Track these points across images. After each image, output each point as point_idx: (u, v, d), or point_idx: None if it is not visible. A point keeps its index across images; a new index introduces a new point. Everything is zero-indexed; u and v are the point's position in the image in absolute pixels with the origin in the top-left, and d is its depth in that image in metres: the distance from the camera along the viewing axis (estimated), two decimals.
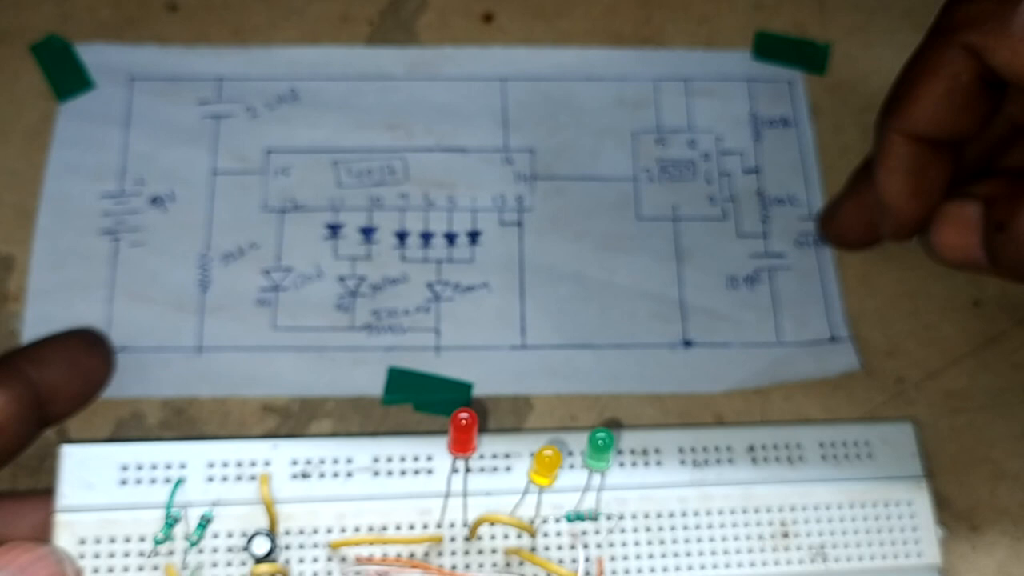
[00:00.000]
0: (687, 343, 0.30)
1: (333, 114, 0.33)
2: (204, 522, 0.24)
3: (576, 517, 0.25)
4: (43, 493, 0.24)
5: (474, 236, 0.31)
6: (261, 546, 0.23)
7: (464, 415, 0.21)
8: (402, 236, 0.31)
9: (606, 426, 0.28)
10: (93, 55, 0.33)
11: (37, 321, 0.29)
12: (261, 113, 0.32)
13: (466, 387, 0.29)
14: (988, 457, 0.30)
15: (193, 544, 0.24)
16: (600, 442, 0.21)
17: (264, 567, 0.23)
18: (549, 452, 0.21)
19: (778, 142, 0.33)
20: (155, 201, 0.31)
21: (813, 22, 0.35)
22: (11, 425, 0.24)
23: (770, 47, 0.34)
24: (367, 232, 0.31)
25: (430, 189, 0.32)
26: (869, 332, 0.31)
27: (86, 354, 0.27)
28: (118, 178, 0.31)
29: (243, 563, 0.24)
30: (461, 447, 0.21)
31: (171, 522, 0.24)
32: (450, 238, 0.31)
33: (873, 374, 0.30)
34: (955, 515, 0.29)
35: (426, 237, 0.31)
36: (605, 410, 0.29)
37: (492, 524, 0.24)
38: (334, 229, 0.31)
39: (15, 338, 0.29)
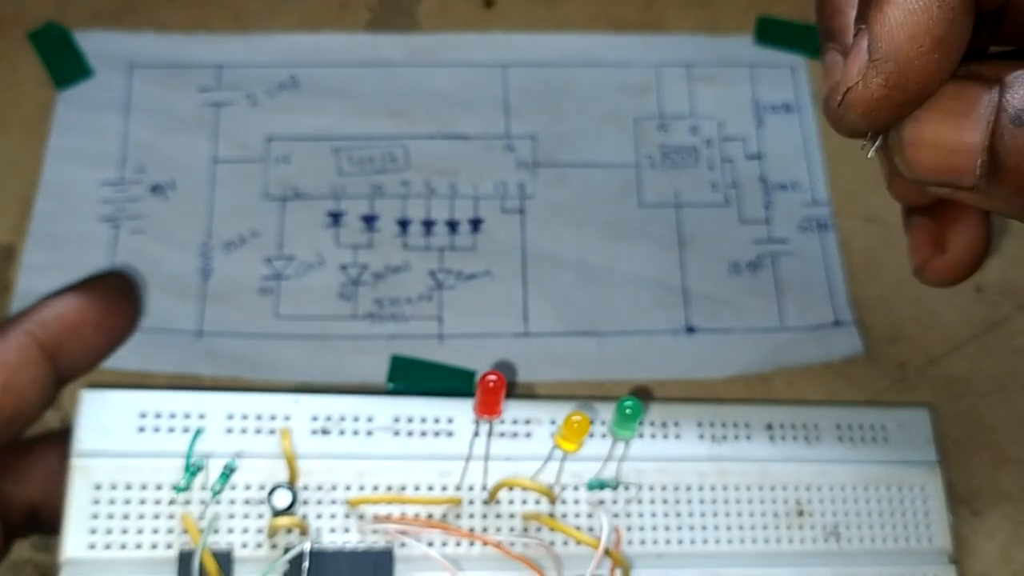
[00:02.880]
0: (690, 329, 0.30)
1: (334, 101, 0.32)
2: (227, 472, 0.23)
3: (598, 485, 0.25)
4: (53, 438, 0.24)
5: (476, 224, 0.31)
6: (282, 499, 0.23)
7: (492, 377, 0.20)
8: (404, 224, 0.31)
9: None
10: (92, 42, 0.32)
11: (25, 297, 0.29)
12: (261, 100, 0.32)
13: (469, 375, 0.29)
14: (990, 442, 0.30)
15: (216, 493, 0.23)
16: (627, 411, 0.21)
17: (284, 519, 0.23)
18: (578, 418, 0.21)
19: (780, 128, 0.33)
20: (156, 189, 0.31)
21: (815, 7, 0.35)
22: (27, 388, 0.23)
23: (772, 32, 0.34)
24: (369, 220, 0.31)
25: (432, 176, 0.32)
26: (871, 318, 0.31)
27: (107, 313, 0.25)
28: (118, 166, 0.31)
29: (260, 516, 0.23)
30: (488, 409, 0.21)
31: (193, 470, 0.23)
32: (452, 226, 0.31)
33: (875, 360, 0.30)
34: (957, 500, 0.29)
35: (428, 225, 0.31)
36: (608, 397, 0.29)
37: (511, 489, 0.24)
38: (336, 217, 0.31)
39: None
